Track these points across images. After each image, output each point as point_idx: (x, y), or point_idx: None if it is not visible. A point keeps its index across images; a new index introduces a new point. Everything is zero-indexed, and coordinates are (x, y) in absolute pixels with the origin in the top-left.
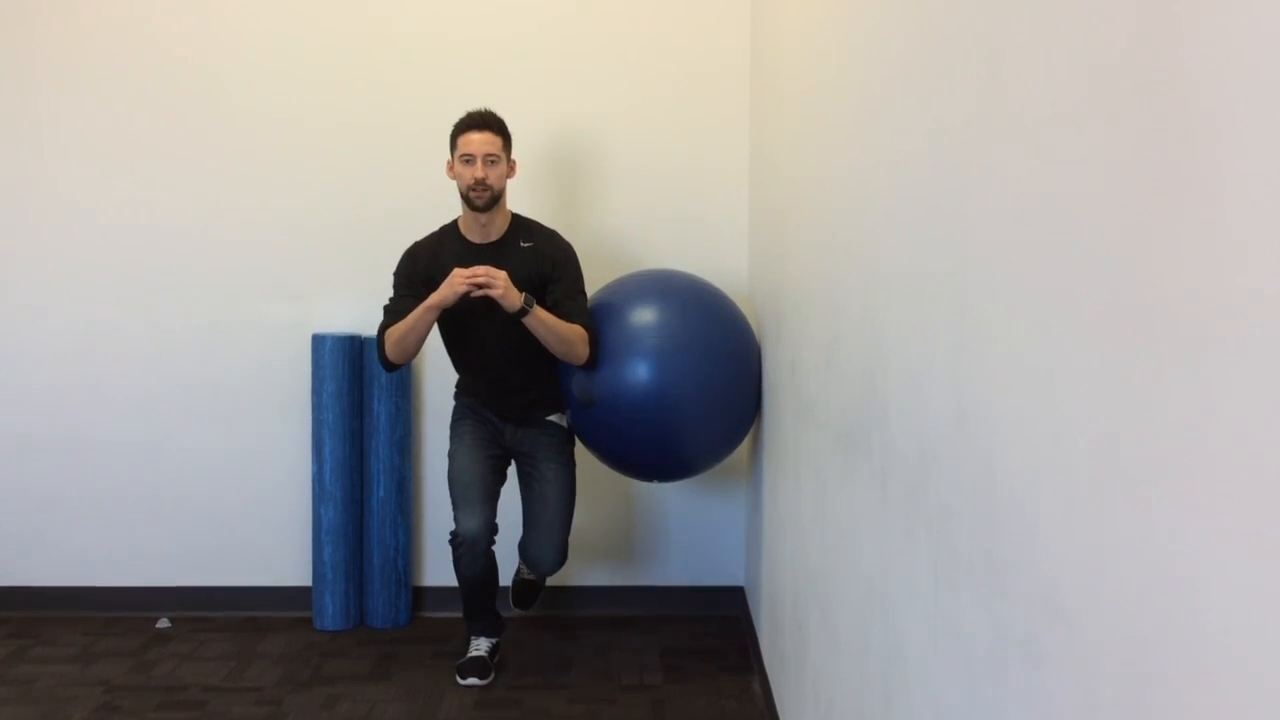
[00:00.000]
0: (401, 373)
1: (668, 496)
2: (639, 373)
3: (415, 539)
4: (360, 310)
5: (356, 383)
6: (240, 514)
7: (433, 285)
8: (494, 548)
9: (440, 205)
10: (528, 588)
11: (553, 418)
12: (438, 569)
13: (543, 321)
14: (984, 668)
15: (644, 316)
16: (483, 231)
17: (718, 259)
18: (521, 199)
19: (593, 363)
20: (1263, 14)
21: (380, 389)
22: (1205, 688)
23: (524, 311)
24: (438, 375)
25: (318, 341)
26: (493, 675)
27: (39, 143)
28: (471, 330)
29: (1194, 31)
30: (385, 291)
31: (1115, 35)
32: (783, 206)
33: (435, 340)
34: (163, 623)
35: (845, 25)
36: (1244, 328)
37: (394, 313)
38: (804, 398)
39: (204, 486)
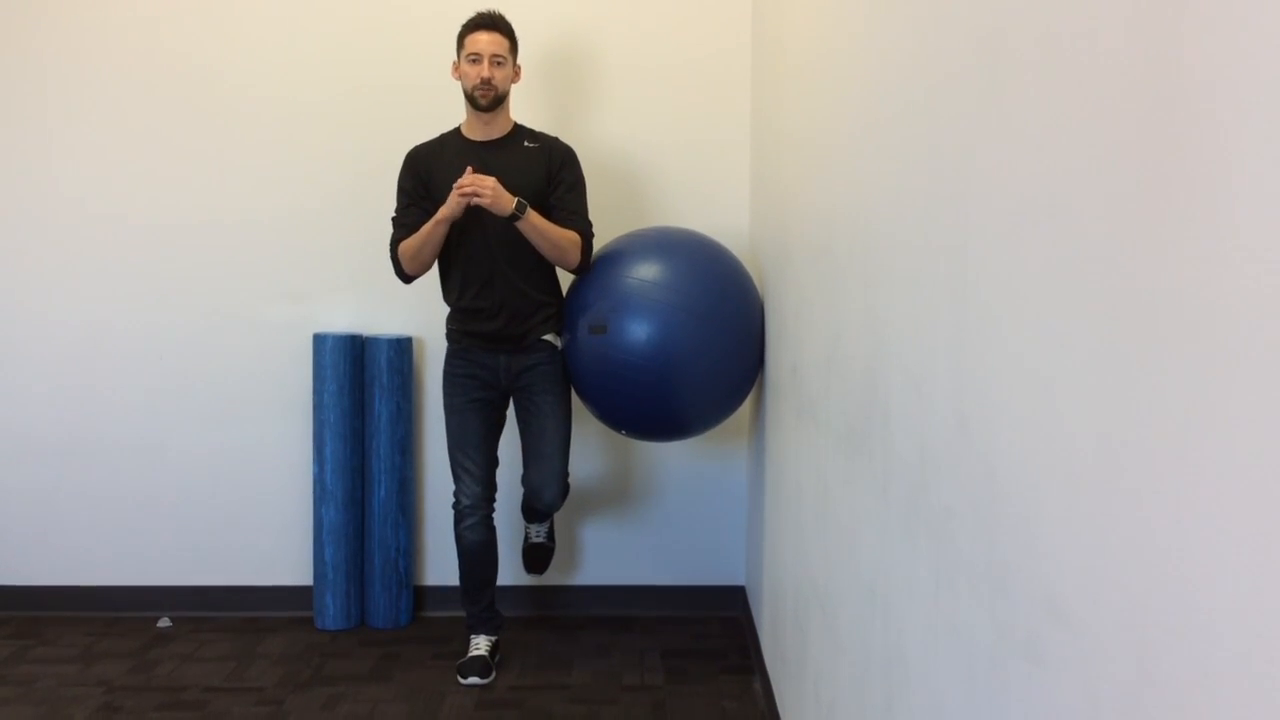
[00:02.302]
0: (403, 373)
1: (669, 495)
2: (640, 328)
3: (416, 539)
4: (361, 309)
5: (358, 383)
6: (241, 514)
7: (433, 186)
8: (495, 524)
9: None
10: (538, 550)
11: (548, 337)
12: (439, 569)
13: (535, 227)
14: (985, 669)
15: (648, 272)
16: (485, 130)
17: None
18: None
19: (584, 268)
20: (1264, 8)
21: (381, 389)
22: (1206, 690)
23: (515, 217)
24: (439, 378)
25: (319, 341)
26: (494, 675)
27: (39, 142)
28: (470, 234)
29: (1196, 19)
30: (386, 290)
31: (1118, 25)
32: (783, 183)
33: (436, 337)
34: (164, 623)
35: (844, 38)
36: (1246, 329)
37: (402, 225)
38: (805, 399)
39: (205, 486)
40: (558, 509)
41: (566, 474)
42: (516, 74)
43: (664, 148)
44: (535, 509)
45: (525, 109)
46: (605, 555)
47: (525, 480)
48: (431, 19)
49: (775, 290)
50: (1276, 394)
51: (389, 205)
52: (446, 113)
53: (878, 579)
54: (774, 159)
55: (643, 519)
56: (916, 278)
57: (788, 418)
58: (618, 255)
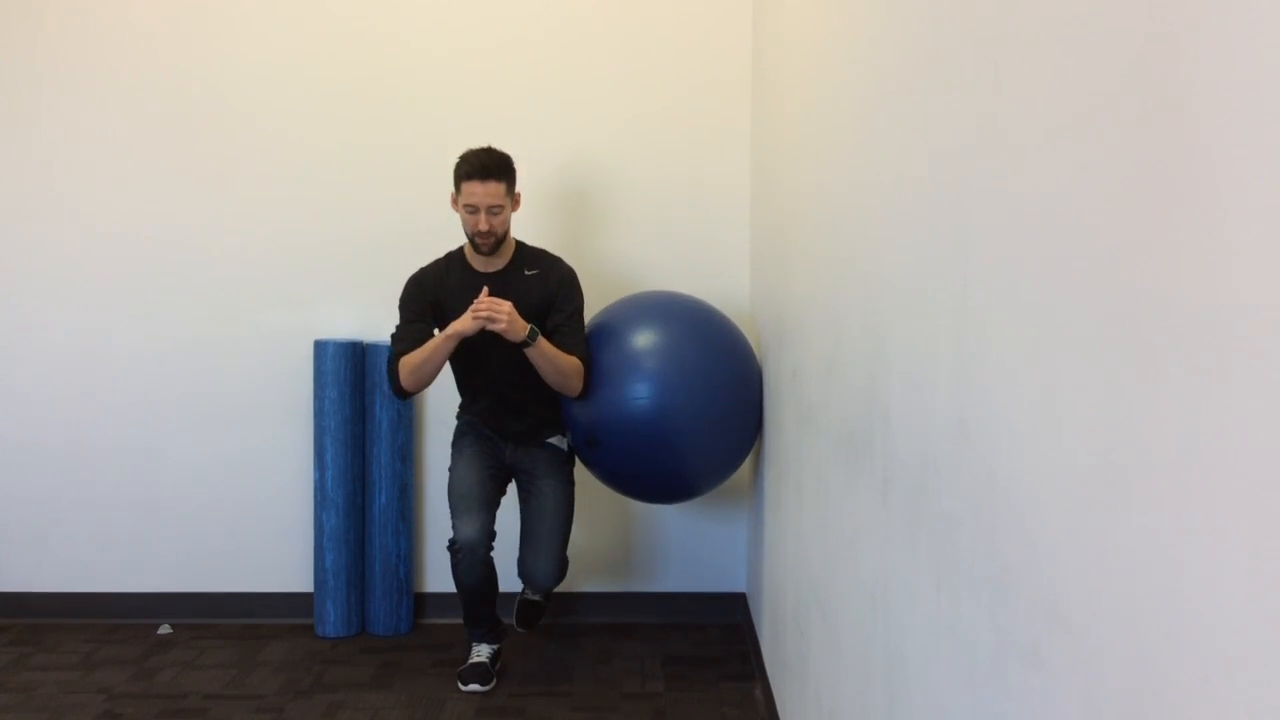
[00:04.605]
0: None
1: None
2: (640, 399)
3: (417, 546)
4: (362, 316)
5: (358, 389)
6: (242, 520)
7: (440, 310)
8: (492, 554)
9: (441, 207)
10: (530, 608)
11: (553, 440)
12: (439, 576)
13: (544, 354)
14: (986, 674)
15: (645, 340)
16: (487, 261)
17: (719, 278)
18: (523, 219)
19: (584, 396)
20: (1261, 29)
21: (382, 395)
22: (1206, 695)
23: (527, 343)
24: (440, 381)
25: (320, 347)
26: (494, 682)
27: (41, 151)
28: (479, 356)
29: (1192, 46)
30: (387, 296)
31: (1114, 49)
32: (783, 221)
33: None
34: (164, 629)
35: (845, 42)
36: (1242, 338)
37: (404, 340)
38: (805, 404)
39: (206, 493)
40: (553, 588)
41: (563, 558)
42: (516, 204)
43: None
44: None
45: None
46: (606, 562)
47: (520, 563)
48: (433, 34)
49: (776, 303)
50: (1274, 399)
51: (390, 212)
52: (447, 125)
53: (878, 584)
54: (774, 177)
55: (643, 526)
56: (917, 283)
57: (788, 422)
58: (604, 332)
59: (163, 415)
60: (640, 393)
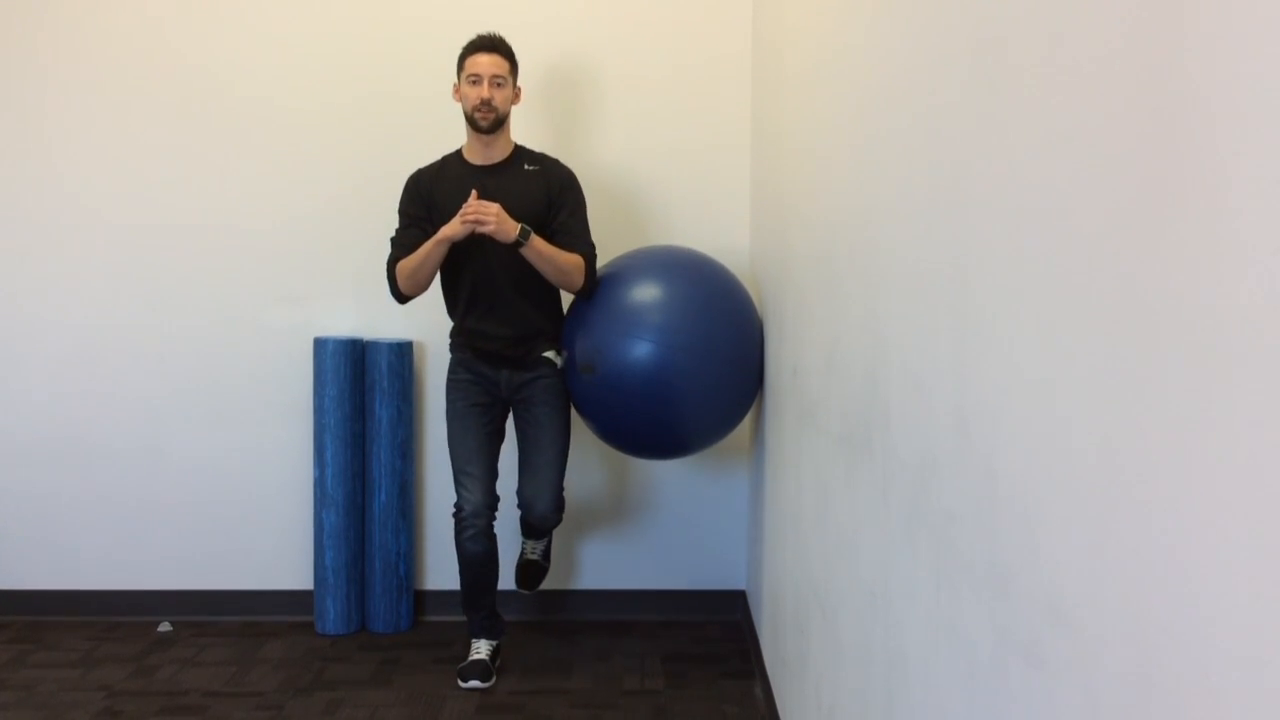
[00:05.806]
0: (404, 377)
1: (669, 499)
2: (640, 349)
3: (417, 543)
4: (362, 313)
5: (358, 386)
6: (242, 518)
7: (435, 209)
8: (495, 528)
9: None
10: (531, 568)
11: (549, 354)
12: (439, 573)
13: (539, 253)
14: (986, 671)
15: (647, 293)
16: (485, 154)
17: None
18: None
19: (588, 292)
20: (1264, 10)
21: (382, 393)
22: (1206, 691)
23: (519, 243)
24: (440, 379)
25: (319, 345)
26: (494, 679)
27: (40, 144)
28: (475, 257)
29: (1196, 26)
30: (387, 298)
31: (1117, 32)
32: (783, 192)
33: (437, 341)
34: (164, 627)
35: (846, 16)
36: (1246, 331)
37: (401, 245)
38: (805, 401)
39: (205, 490)
40: (552, 525)
41: (561, 489)
42: (517, 96)
43: (664, 160)
44: (531, 524)
45: (525, 126)
46: (605, 559)
47: (519, 492)
48: (432, 25)
49: (775, 293)
50: (1275, 396)
51: (390, 209)
52: (449, 117)
53: (878, 581)
54: (774, 167)
55: (642, 523)
56: (917, 280)
57: (788, 420)
58: (613, 280)
59: (162, 413)
60: (643, 336)
